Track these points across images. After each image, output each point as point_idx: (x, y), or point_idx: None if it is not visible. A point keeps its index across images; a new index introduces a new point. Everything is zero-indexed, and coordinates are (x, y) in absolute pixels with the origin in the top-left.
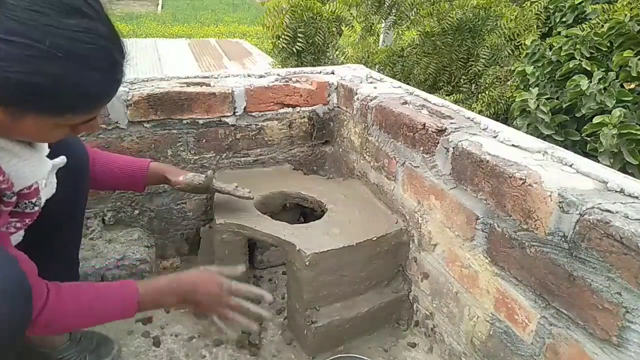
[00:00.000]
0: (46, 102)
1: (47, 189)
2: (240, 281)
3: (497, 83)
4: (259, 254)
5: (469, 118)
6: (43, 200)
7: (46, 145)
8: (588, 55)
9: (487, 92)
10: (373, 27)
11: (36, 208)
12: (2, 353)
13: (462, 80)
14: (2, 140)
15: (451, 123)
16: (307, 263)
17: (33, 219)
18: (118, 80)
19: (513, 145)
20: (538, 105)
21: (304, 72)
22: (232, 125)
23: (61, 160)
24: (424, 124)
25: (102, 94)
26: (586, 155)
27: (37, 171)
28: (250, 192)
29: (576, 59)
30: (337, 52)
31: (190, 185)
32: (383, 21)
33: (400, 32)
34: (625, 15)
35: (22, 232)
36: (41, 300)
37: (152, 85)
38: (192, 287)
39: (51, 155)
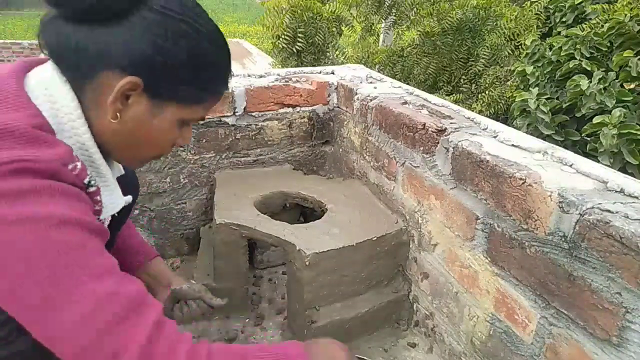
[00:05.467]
0: (190, 90)
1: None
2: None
3: (497, 83)
4: (259, 254)
5: (469, 118)
6: None
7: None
8: (588, 55)
9: (487, 92)
10: (373, 27)
11: None
12: None
13: (462, 80)
14: (106, 171)
15: (451, 123)
16: (307, 263)
17: None
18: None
19: (513, 145)
20: (538, 105)
21: (304, 72)
22: (232, 125)
23: (128, 199)
24: (424, 124)
25: (223, 91)
26: (586, 155)
27: (115, 205)
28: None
29: (576, 59)
30: (337, 52)
31: (180, 294)
32: (383, 21)
33: (400, 32)
34: (625, 15)
35: None
36: None
37: None
38: None
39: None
